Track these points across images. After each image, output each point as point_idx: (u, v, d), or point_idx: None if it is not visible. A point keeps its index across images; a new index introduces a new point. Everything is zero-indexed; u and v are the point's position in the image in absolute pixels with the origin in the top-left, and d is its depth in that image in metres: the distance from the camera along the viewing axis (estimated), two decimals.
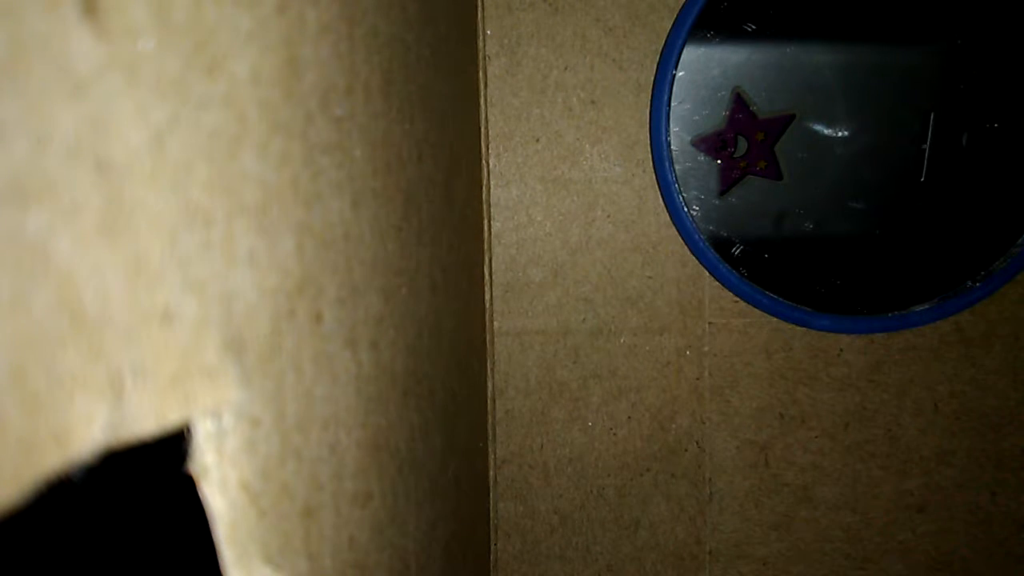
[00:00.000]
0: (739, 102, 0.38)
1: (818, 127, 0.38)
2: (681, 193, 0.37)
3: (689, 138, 0.38)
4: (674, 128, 0.37)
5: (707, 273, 0.38)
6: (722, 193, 0.38)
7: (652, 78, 0.38)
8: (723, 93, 0.38)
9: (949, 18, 0.38)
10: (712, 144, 0.38)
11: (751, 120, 0.38)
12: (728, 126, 0.38)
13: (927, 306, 0.38)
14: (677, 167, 0.37)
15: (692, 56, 0.37)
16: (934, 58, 0.39)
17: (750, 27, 0.38)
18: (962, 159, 0.38)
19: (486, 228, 0.39)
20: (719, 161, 0.38)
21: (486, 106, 0.38)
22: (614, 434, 0.40)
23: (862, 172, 0.39)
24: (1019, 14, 0.38)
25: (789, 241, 0.39)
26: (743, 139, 0.38)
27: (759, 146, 0.38)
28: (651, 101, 0.37)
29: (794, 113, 0.38)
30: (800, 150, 0.39)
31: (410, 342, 0.23)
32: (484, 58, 0.38)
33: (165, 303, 0.11)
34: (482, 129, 0.38)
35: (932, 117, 0.38)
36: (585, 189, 0.39)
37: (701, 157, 0.38)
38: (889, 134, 0.39)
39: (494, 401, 0.39)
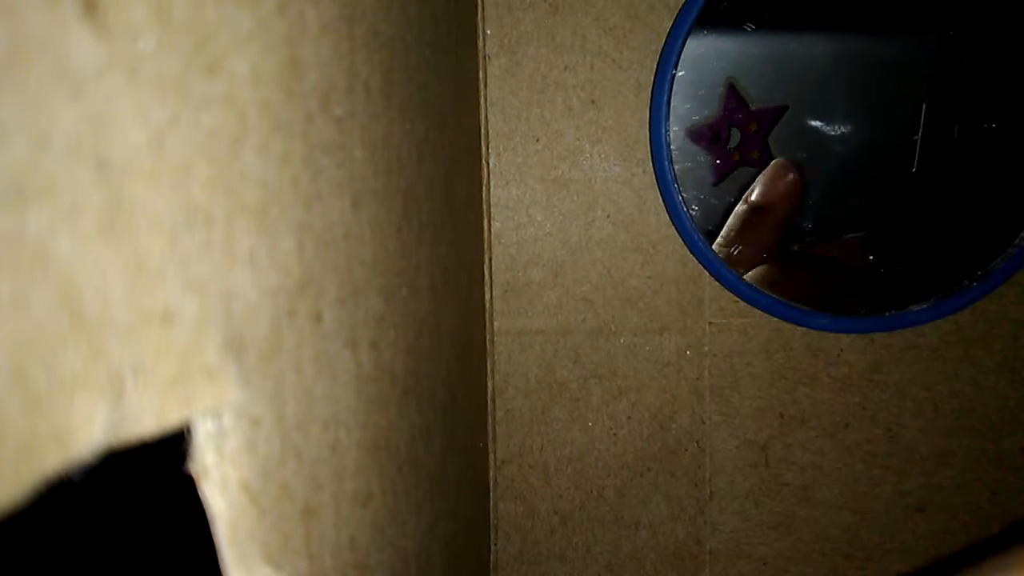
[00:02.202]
0: (731, 92, 0.38)
1: (812, 119, 0.39)
2: (680, 192, 0.37)
3: (690, 131, 0.38)
4: (673, 127, 0.37)
5: (707, 273, 0.38)
6: (715, 184, 0.38)
7: (652, 78, 0.38)
8: (720, 90, 0.38)
9: (941, 9, 0.38)
10: (705, 136, 0.38)
11: (744, 110, 0.38)
12: (721, 117, 0.38)
13: (925, 305, 0.38)
14: (676, 166, 0.37)
15: (692, 55, 0.37)
16: (927, 49, 0.39)
17: (749, 27, 0.38)
18: (955, 152, 0.38)
19: (486, 228, 0.39)
20: (713, 156, 0.38)
21: (486, 106, 0.38)
22: (614, 434, 0.40)
23: (857, 165, 0.39)
24: (1011, 4, 0.38)
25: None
26: (737, 131, 0.39)
27: (752, 137, 0.38)
28: (651, 100, 0.37)
29: (787, 104, 0.38)
30: (794, 142, 0.39)
31: (410, 342, 0.23)
32: (484, 58, 0.38)
33: (165, 303, 0.11)
34: (482, 129, 0.38)
35: (924, 108, 0.38)
36: (585, 189, 0.39)
37: (701, 157, 0.38)
38: (883, 126, 0.39)
39: (494, 401, 0.39)
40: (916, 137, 0.38)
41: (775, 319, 0.38)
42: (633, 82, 0.38)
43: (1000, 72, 0.38)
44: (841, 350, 0.39)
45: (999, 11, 0.38)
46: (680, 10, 0.37)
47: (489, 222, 0.39)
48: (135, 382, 0.11)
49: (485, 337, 0.39)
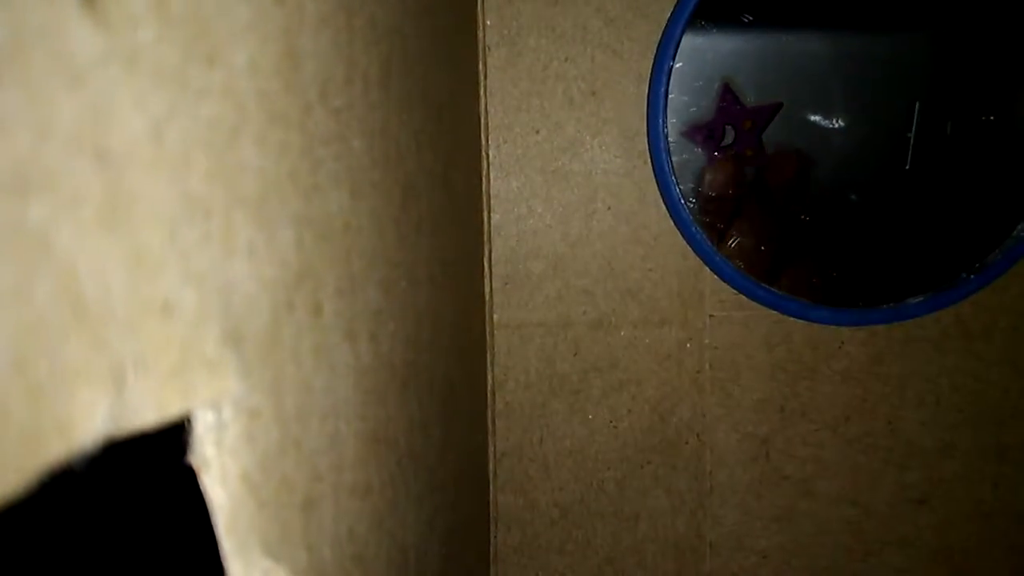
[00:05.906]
0: (727, 91, 0.38)
1: (807, 116, 0.39)
2: (678, 185, 0.37)
3: (685, 130, 0.38)
4: (671, 120, 0.37)
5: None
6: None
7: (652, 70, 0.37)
8: (718, 84, 0.38)
9: (934, 6, 0.38)
10: (701, 133, 0.38)
11: (739, 108, 0.38)
12: (716, 115, 0.38)
13: (922, 298, 0.38)
14: (674, 159, 0.37)
15: (689, 48, 0.37)
16: (921, 46, 0.39)
17: (747, 18, 0.38)
18: (949, 148, 0.39)
19: (486, 220, 0.39)
20: (708, 151, 0.38)
21: (486, 97, 0.38)
22: (614, 427, 0.40)
23: (852, 162, 0.39)
24: (1003, 1, 0.38)
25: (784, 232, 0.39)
26: (732, 128, 0.39)
27: (746, 134, 0.38)
28: (648, 92, 0.37)
29: (782, 101, 0.38)
30: (788, 139, 0.39)
31: (409, 334, 0.23)
32: (484, 48, 0.38)
33: (165, 294, 0.11)
34: (482, 120, 0.38)
35: (917, 106, 0.38)
36: (585, 181, 0.39)
37: (697, 149, 0.38)
38: (878, 122, 0.39)
39: (494, 394, 0.39)
40: (909, 134, 0.38)
41: (775, 312, 0.38)
42: (634, 74, 0.38)
43: (994, 65, 0.38)
44: (842, 343, 0.39)
45: (990, 9, 0.38)
46: (678, 1, 0.37)
47: (489, 214, 0.39)
48: (135, 373, 0.11)
49: (485, 330, 0.39)
